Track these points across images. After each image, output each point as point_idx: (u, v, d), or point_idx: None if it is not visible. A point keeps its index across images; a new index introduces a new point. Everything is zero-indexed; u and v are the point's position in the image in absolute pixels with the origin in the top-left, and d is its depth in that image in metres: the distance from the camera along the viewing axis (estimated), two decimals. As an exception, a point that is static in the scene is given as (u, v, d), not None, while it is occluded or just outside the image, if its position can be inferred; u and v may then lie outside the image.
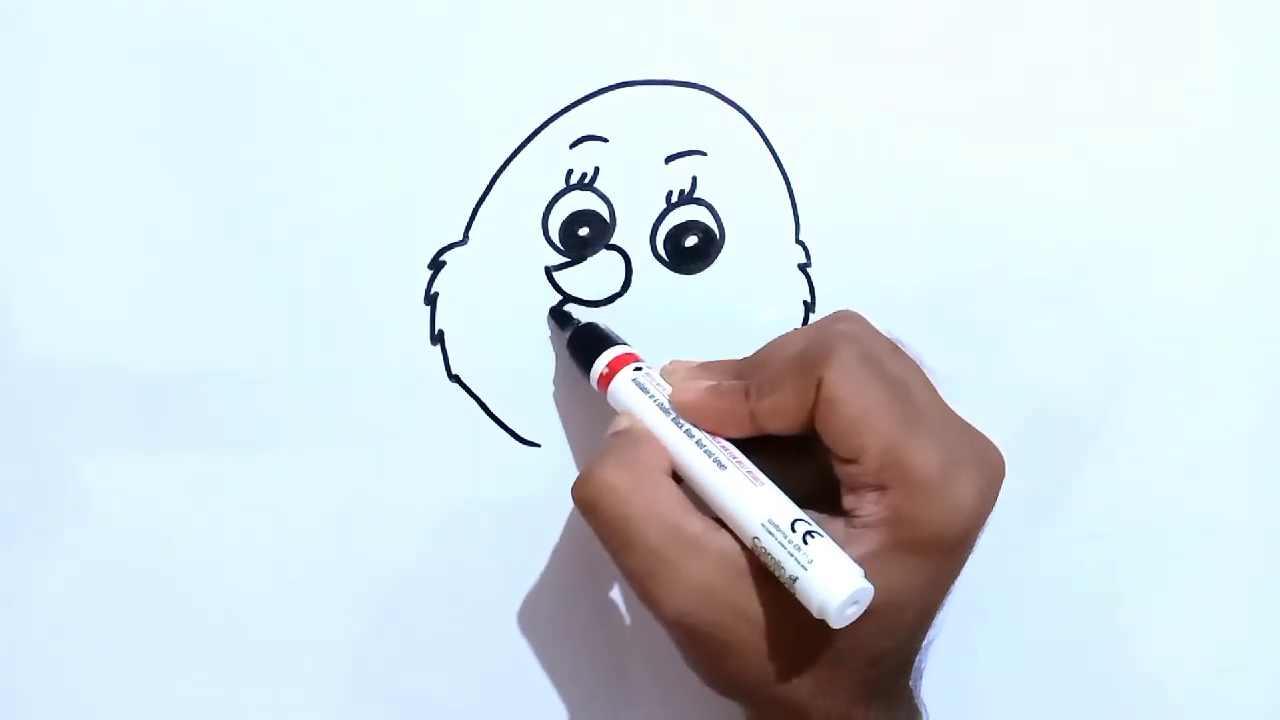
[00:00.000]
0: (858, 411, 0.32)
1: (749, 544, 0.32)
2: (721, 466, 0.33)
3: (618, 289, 0.40)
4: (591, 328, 0.38)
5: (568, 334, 0.38)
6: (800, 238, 0.40)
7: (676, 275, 0.40)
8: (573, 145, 0.38)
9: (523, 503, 0.40)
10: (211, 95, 0.36)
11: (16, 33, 0.35)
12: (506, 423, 0.40)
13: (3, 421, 0.37)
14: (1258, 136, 0.43)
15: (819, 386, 0.32)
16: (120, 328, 0.37)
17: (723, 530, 0.33)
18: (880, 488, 0.32)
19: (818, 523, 0.32)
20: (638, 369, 0.36)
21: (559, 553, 0.41)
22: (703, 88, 0.39)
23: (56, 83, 0.35)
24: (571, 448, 0.40)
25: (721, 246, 0.40)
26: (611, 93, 0.38)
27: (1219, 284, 0.44)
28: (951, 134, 0.41)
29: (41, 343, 0.37)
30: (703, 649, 0.33)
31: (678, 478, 0.34)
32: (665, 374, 0.37)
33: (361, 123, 0.37)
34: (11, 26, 0.35)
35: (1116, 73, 0.41)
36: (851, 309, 0.36)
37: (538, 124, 0.38)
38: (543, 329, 0.39)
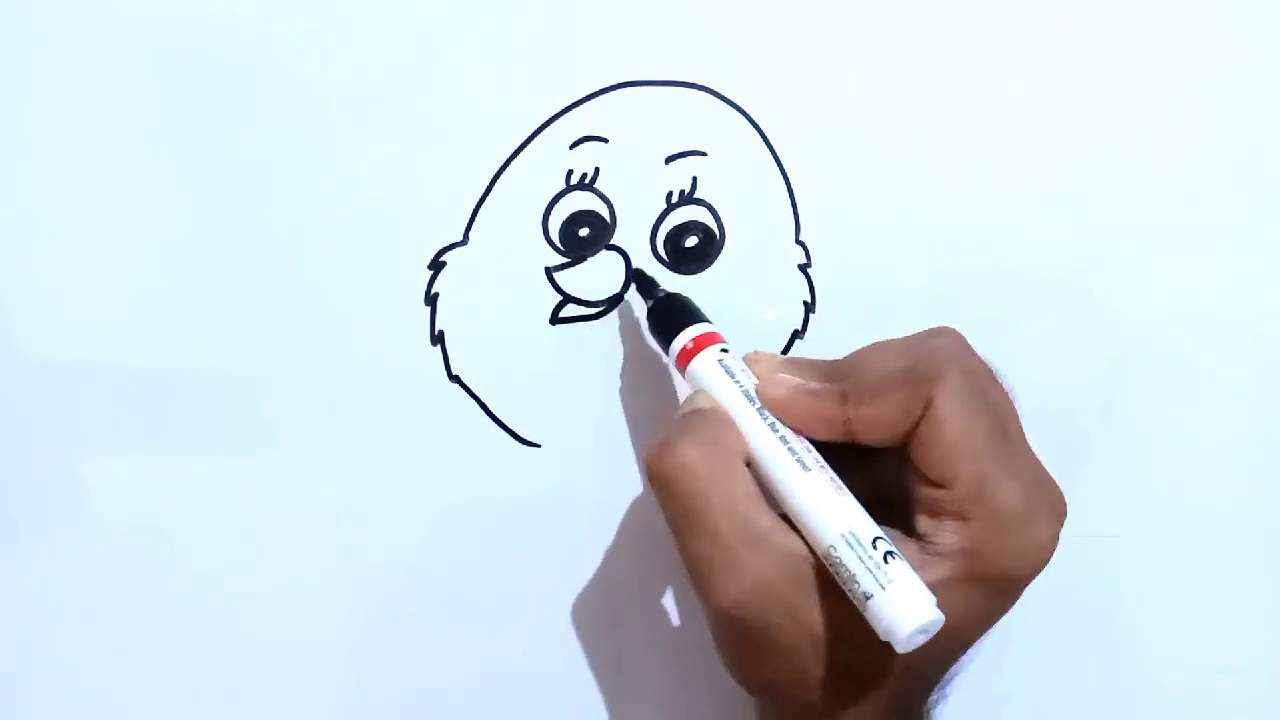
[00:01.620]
0: (961, 438, 0.31)
1: (821, 551, 0.32)
2: (805, 468, 0.33)
3: (618, 289, 0.40)
4: (678, 299, 0.37)
5: (650, 304, 0.38)
6: (800, 238, 0.40)
7: (677, 275, 0.40)
8: (573, 146, 0.38)
9: (523, 503, 0.40)
10: (211, 95, 0.36)
11: (16, 33, 0.35)
12: (506, 423, 0.40)
13: (3, 421, 0.37)
14: (1258, 136, 0.43)
15: (927, 405, 0.32)
16: (120, 328, 0.37)
17: (792, 531, 0.32)
18: (963, 518, 0.32)
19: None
20: (724, 350, 0.36)
21: (559, 553, 0.41)
22: (703, 88, 0.39)
23: (56, 82, 0.35)
24: (572, 449, 0.40)
25: (721, 247, 0.40)
26: (611, 93, 0.38)
27: (1219, 284, 0.44)
28: (951, 134, 0.41)
29: (41, 343, 0.37)
30: (748, 644, 0.33)
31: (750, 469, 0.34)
32: (749, 362, 0.35)
33: (361, 123, 0.37)
34: (11, 26, 0.35)
35: (1117, 72, 0.41)
36: (951, 326, 0.35)
37: (538, 124, 0.38)
38: (544, 329, 0.39)
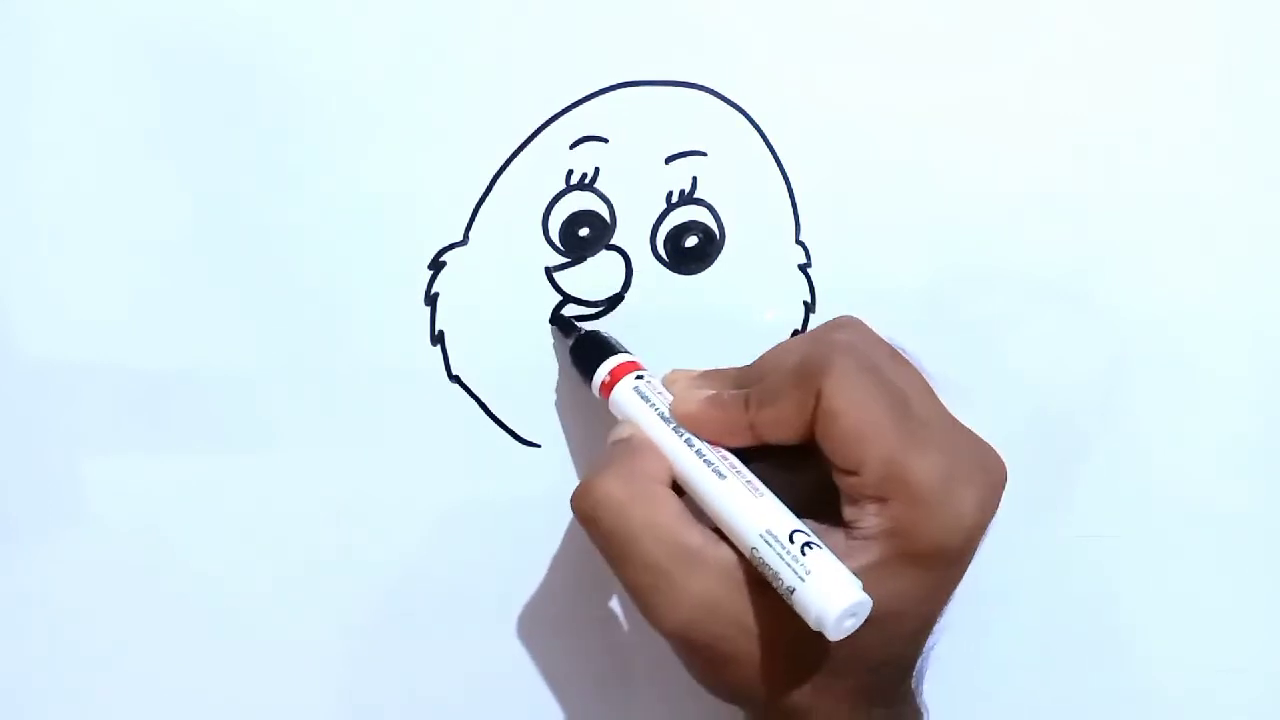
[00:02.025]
0: (857, 423, 0.32)
1: (747, 554, 0.32)
2: (721, 476, 0.33)
3: (618, 289, 0.40)
4: (593, 335, 0.38)
5: (570, 342, 0.38)
6: (800, 238, 0.40)
7: (676, 275, 0.40)
8: (573, 146, 0.38)
9: (522, 503, 0.40)
10: (211, 95, 0.36)
11: (16, 33, 0.35)
12: (506, 423, 0.40)
13: (3, 421, 0.37)
14: (1257, 136, 0.43)
15: (818, 398, 0.32)
16: (120, 328, 0.37)
17: (722, 542, 0.33)
18: (881, 499, 0.32)
19: (818, 533, 0.32)
20: (639, 377, 0.36)
21: (559, 553, 0.41)
22: (703, 88, 0.39)
23: (56, 83, 0.35)
24: (571, 449, 0.40)
25: (721, 247, 0.40)
26: (611, 93, 0.38)
27: (1219, 284, 0.44)
28: (952, 134, 0.41)
29: (41, 343, 0.37)
30: (703, 660, 0.33)
31: (679, 489, 0.34)
32: (667, 383, 0.36)
33: (362, 123, 0.37)
34: (11, 26, 0.35)
35: (1116, 72, 0.41)
36: (851, 315, 0.36)
37: (538, 124, 0.38)
38: (543, 329, 0.39)
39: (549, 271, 0.39)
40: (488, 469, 0.40)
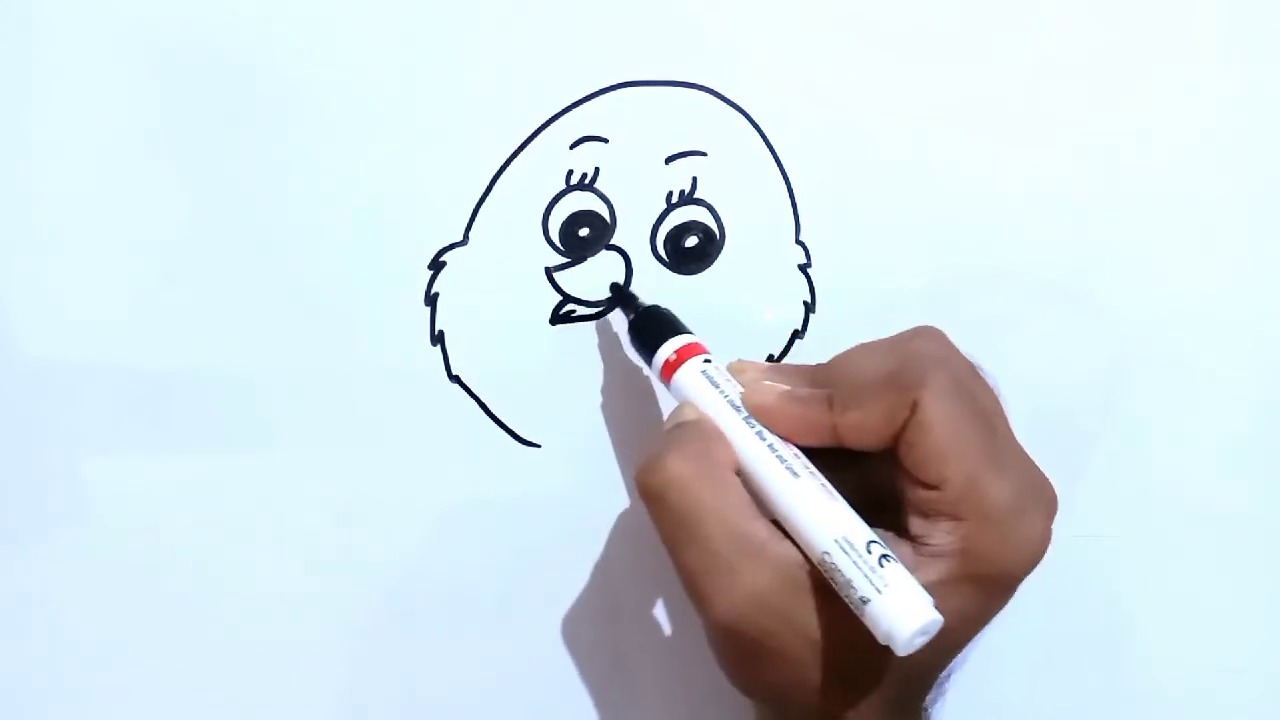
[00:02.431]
0: (948, 439, 0.31)
1: (816, 558, 0.31)
2: (795, 475, 0.32)
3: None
4: (657, 311, 0.37)
5: (630, 316, 0.37)
6: (800, 238, 0.40)
7: (676, 275, 0.40)
8: (573, 146, 0.38)
9: (523, 503, 0.40)
10: (211, 95, 0.36)
11: (16, 33, 0.35)
12: (506, 423, 0.40)
13: (3, 421, 0.37)
14: (1257, 136, 0.43)
15: (913, 409, 0.31)
16: (120, 328, 0.37)
17: (785, 539, 0.32)
18: (956, 518, 0.31)
19: (886, 543, 0.31)
20: (707, 360, 0.35)
21: (559, 553, 0.41)
22: (703, 88, 0.39)
23: (56, 83, 0.35)
24: (571, 449, 0.40)
25: (721, 247, 0.40)
26: (611, 93, 0.38)
27: (1219, 284, 0.44)
28: (951, 134, 0.41)
29: (41, 343, 0.37)
30: (744, 654, 0.33)
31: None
32: (733, 371, 0.36)
33: (362, 123, 0.37)
34: (11, 26, 0.35)
35: (1117, 73, 0.41)
36: (934, 326, 0.35)
37: (538, 125, 0.38)
38: (544, 329, 0.39)
39: (549, 271, 0.39)
40: (488, 469, 0.40)
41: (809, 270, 0.41)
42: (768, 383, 0.34)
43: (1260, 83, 0.43)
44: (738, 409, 0.34)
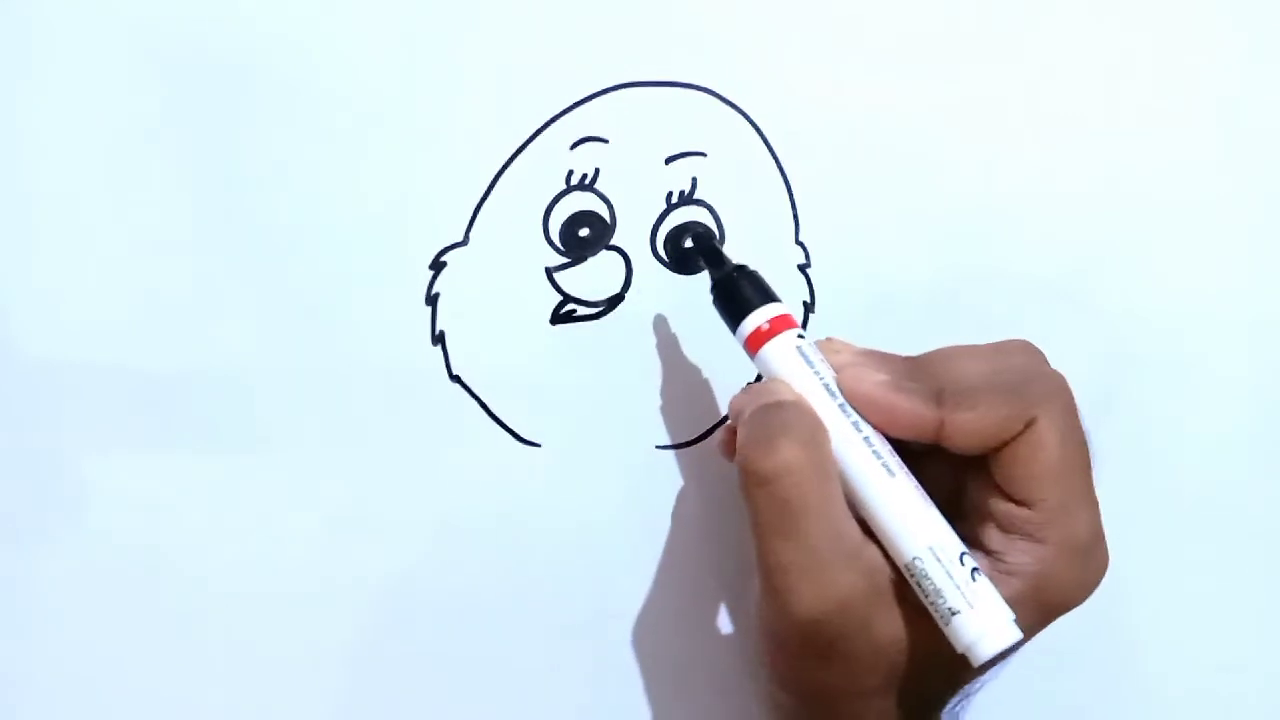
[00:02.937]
0: (1057, 462, 0.31)
1: (903, 563, 0.31)
2: (891, 473, 0.31)
3: (618, 290, 0.40)
4: (749, 274, 0.34)
5: (718, 275, 0.35)
6: (800, 238, 0.40)
7: (676, 276, 0.40)
8: (573, 146, 0.38)
9: (523, 503, 0.40)
10: (211, 95, 0.36)
11: (16, 33, 0.35)
12: (507, 423, 0.40)
13: (3, 421, 0.37)
14: (1257, 136, 0.43)
15: (1030, 423, 0.31)
16: (120, 328, 0.37)
17: (871, 542, 0.32)
18: (1037, 540, 0.32)
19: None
20: (800, 335, 0.33)
21: (559, 553, 0.41)
22: (703, 88, 0.39)
23: (56, 82, 0.35)
24: (571, 448, 0.40)
25: (721, 247, 0.40)
26: (611, 94, 0.38)
27: (1219, 284, 0.44)
28: (951, 134, 0.41)
29: (41, 343, 0.37)
30: (815, 654, 0.32)
31: None
32: (826, 351, 0.33)
33: (361, 123, 0.37)
34: (12, 26, 0.35)
35: (1117, 73, 0.41)
36: (1030, 342, 0.34)
37: (538, 125, 0.38)
38: (544, 329, 0.39)
39: (549, 272, 0.39)
40: (488, 469, 0.40)
41: (808, 270, 0.41)
42: (868, 369, 0.32)
43: (1260, 83, 0.43)
44: (833, 394, 0.32)
